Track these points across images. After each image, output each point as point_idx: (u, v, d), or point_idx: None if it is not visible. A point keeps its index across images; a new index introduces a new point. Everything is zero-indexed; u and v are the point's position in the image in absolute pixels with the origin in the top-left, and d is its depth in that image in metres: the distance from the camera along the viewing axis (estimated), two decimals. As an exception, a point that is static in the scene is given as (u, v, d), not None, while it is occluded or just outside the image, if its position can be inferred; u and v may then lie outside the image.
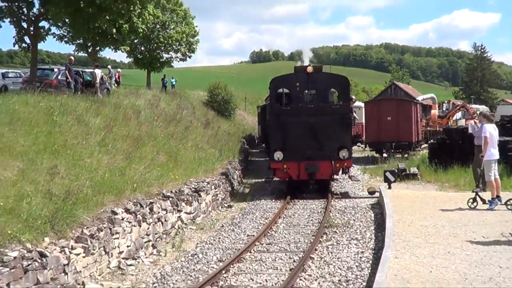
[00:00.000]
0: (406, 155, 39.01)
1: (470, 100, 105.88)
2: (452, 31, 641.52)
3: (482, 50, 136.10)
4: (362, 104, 48.62)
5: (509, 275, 10.05)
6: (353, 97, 31.51)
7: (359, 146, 50.01)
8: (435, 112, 56.56)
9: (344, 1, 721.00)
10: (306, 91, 24.92)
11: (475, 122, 22.43)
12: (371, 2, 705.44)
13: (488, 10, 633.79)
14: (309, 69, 24.63)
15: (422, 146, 45.23)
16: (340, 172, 25.10)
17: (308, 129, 24.02)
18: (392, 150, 38.82)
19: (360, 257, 13.42)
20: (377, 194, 22.00)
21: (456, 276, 10.04)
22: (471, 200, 16.96)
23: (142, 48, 51.74)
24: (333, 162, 23.66)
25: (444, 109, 66.98)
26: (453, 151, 27.17)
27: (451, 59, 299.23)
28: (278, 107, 25.20)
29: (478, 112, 37.25)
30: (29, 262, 10.23)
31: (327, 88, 25.67)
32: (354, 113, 29.87)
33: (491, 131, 17.22)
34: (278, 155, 24.01)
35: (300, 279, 11.99)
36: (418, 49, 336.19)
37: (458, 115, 59.80)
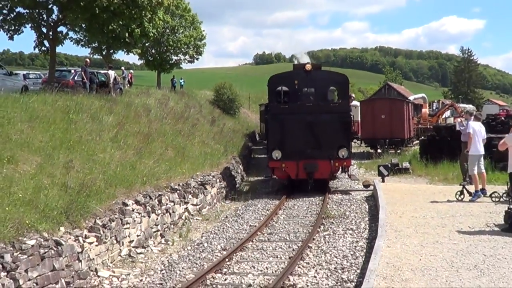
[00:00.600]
0: (399, 151, 39.00)
1: (458, 99, 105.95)
2: (441, 35, 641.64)
3: (469, 54, 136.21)
4: (358, 103, 48.50)
5: (493, 263, 10.01)
6: (353, 95, 28.34)
7: (355, 142, 49.97)
8: (425, 110, 56.56)
9: (341, 7, 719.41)
10: (305, 89, 23.28)
11: (461, 120, 22.52)
12: (366, 8, 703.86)
13: (474, 17, 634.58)
14: (308, 66, 23.03)
15: (414, 142, 45.12)
16: (340, 171, 23.70)
17: (307, 128, 22.19)
18: (386, 146, 38.86)
19: (355, 246, 13.36)
20: (371, 187, 21.90)
21: (444, 264, 10.00)
22: (458, 193, 16.92)
23: (153, 51, 51.68)
24: (332, 161, 22.01)
25: (434, 108, 66.82)
26: (442, 147, 27.09)
27: (440, 62, 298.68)
28: (276, 106, 23.29)
29: (465, 111, 37.18)
30: (46, 250, 10.19)
31: (326, 86, 23.85)
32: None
33: (475, 128, 17.21)
34: (277, 154, 22.24)
35: (299, 267, 11.92)
36: (410, 52, 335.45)
37: (447, 113, 59.69)
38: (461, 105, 72.57)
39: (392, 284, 8.88)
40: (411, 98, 59.30)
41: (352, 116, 24.50)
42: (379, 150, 38.53)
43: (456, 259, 10.32)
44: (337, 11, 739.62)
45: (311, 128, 22.28)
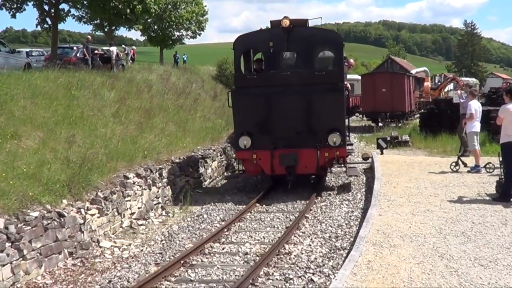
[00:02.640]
0: (400, 124, 39.31)
1: (461, 73, 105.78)
2: (445, 9, 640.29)
3: (472, 27, 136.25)
4: (359, 77, 48.68)
5: (480, 230, 10.35)
6: (351, 60, 21.82)
7: (357, 116, 50.36)
8: (427, 84, 56.77)
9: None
10: (284, 53, 17.52)
11: (461, 93, 22.85)
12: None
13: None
14: (285, 22, 16.63)
15: (416, 116, 45.36)
16: (334, 163, 17.63)
17: (285, 105, 16.68)
18: (387, 120, 39.18)
19: (350, 216, 13.69)
20: (370, 160, 22.16)
21: (432, 231, 10.34)
22: (453, 164, 17.26)
23: (155, 27, 51.77)
24: (319, 150, 16.47)
25: (436, 81, 67.05)
26: (442, 120, 27.36)
27: (444, 35, 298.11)
28: (242, 76, 17.66)
29: (465, 84, 37.42)
30: (49, 222, 10.56)
31: (312, 48, 17.21)
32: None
33: (475, 107, 17.62)
34: (245, 141, 16.73)
35: (295, 236, 12.25)
36: (414, 26, 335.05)
37: (450, 87, 59.75)
38: (464, 78, 72.58)
39: (381, 249, 9.23)
40: (413, 71, 59.49)
41: (347, 89, 18.54)
42: (380, 124, 38.81)
43: (445, 226, 10.66)
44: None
45: (290, 106, 16.68)
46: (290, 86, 16.67)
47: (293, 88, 16.64)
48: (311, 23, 18.57)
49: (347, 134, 19.05)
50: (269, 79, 16.96)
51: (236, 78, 17.76)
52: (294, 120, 16.66)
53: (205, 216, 14.78)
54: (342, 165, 18.00)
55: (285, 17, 16.75)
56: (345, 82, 18.56)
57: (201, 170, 19.40)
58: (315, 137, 16.58)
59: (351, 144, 22.02)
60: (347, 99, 19.22)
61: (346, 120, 18.62)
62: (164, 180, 16.26)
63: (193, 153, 19.51)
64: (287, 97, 16.66)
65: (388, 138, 26.28)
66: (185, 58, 60.97)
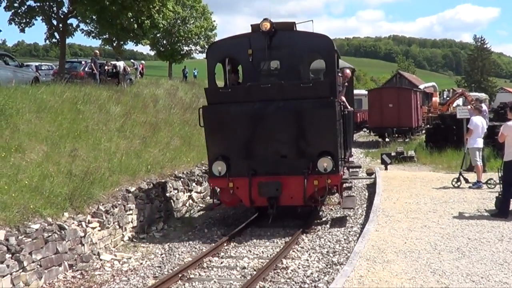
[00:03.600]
0: (406, 139, 39.47)
1: (471, 88, 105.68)
2: (455, 24, 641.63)
3: (482, 42, 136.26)
4: (366, 92, 48.88)
5: (475, 246, 10.43)
6: (347, 70, 18.21)
7: (364, 131, 50.73)
8: (436, 99, 56.85)
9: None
10: (265, 63, 14.70)
11: (471, 108, 23.01)
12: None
13: (488, 4, 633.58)
14: (265, 25, 14.04)
15: (423, 131, 45.46)
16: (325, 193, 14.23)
17: (265, 124, 14.04)
18: (394, 135, 39.30)
19: (349, 231, 13.79)
20: (374, 175, 22.26)
21: (427, 247, 10.43)
22: (455, 180, 17.37)
23: (164, 42, 52.32)
24: (306, 178, 13.74)
25: (445, 96, 67.06)
26: (447, 135, 27.46)
27: (454, 50, 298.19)
28: (213, 90, 15.01)
29: (475, 99, 37.50)
30: (49, 234, 10.74)
31: (299, 56, 14.59)
32: (341, 97, 16.87)
33: (477, 122, 17.75)
34: (219, 167, 14.23)
35: (293, 251, 12.35)
36: (424, 41, 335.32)
37: (459, 102, 59.75)
38: (473, 93, 72.49)
39: (374, 265, 9.33)
40: (421, 86, 59.47)
41: (342, 104, 15.97)
42: (387, 139, 38.95)
43: (440, 242, 10.75)
44: (351, 0, 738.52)
45: (271, 125, 14.02)
46: (272, 101, 13.93)
47: (275, 104, 13.92)
48: (301, 28, 15.66)
49: (349, 154, 17.97)
50: (246, 93, 14.20)
51: (207, 93, 14.86)
52: (277, 141, 14.06)
53: (205, 230, 14.90)
54: (338, 195, 15.03)
55: (265, 19, 14.15)
56: (342, 96, 16.84)
57: (205, 184, 19.37)
58: (302, 161, 13.93)
59: (358, 167, 21.54)
60: (348, 116, 17.30)
61: (354, 136, 17.75)
62: (167, 194, 16.39)
63: (196, 168, 19.62)
64: (268, 114, 14.01)
65: (394, 154, 26.43)
66: (195, 73, 61.39)
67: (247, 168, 14.16)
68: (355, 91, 51.96)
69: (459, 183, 17.29)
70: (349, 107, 18.18)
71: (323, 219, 15.74)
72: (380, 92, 42.86)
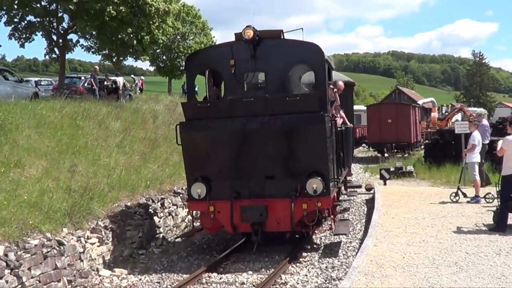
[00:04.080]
0: (406, 155, 39.60)
1: (470, 103, 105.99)
2: (454, 39, 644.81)
3: (481, 57, 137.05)
4: (365, 108, 49.09)
5: (473, 260, 10.47)
6: (340, 82, 16.83)
7: (363, 147, 50.92)
8: (434, 114, 57.12)
9: (355, 12, 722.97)
10: (248, 75, 13.37)
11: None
12: (380, 13, 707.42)
13: (487, 20, 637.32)
14: (248, 33, 12.83)
15: (422, 146, 45.62)
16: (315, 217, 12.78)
17: (249, 142, 12.78)
18: (393, 150, 39.42)
19: (348, 246, 13.80)
20: (373, 191, 22.30)
21: (426, 261, 10.47)
22: (453, 194, 17.43)
23: (164, 57, 52.53)
24: (293, 201, 12.38)
25: (443, 111, 67.26)
26: (446, 150, 27.55)
27: (453, 65, 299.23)
28: (191, 105, 13.88)
29: (476, 114, 37.68)
30: (48, 250, 10.76)
31: (286, 66, 13.43)
32: (339, 111, 16.69)
33: (479, 139, 17.90)
34: (199, 189, 12.85)
35: (292, 266, 12.36)
36: (422, 56, 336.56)
37: (458, 117, 59.97)
38: (472, 108, 72.73)
39: (372, 279, 9.36)
40: (420, 102, 59.74)
41: (334, 119, 14.18)
42: (386, 154, 39.06)
43: (438, 256, 10.79)
44: (351, 16, 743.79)
45: (255, 142, 12.73)
46: (255, 116, 12.60)
47: (259, 120, 12.60)
48: (291, 37, 14.27)
49: (346, 172, 17.10)
50: (227, 107, 12.81)
51: (184, 108, 13.46)
52: (261, 160, 12.70)
53: (205, 246, 14.89)
54: (330, 219, 13.68)
55: (248, 27, 12.90)
56: (341, 112, 16.52)
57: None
58: (289, 182, 12.58)
59: (358, 187, 21.39)
60: (346, 132, 16.69)
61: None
62: (166, 210, 16.41)
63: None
64: (251, 131, 12.66)
65: (393, 169, 26.48)
66: (195, 89, 61.50)
67: (229, 190, 12.78)
68: (354, 107, 52.35)
69: (457, 198, 17.35)
70: (348, 123, 17.64)
71: (315, 245, 14.21)
72: (379, 108, 43.04)
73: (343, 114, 16.84)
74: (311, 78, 14.01)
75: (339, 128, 15.59)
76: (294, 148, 12.59)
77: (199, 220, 14.55)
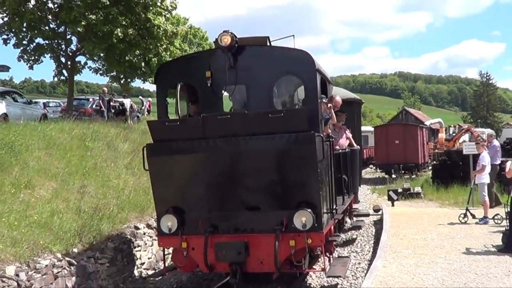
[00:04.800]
0: (413, 176, 39.60)
1: (477, 124, 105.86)
2: (461, 60, 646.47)
3: (488, 77, 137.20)
4: (372, 129, 49.16)
5: (482, 281, 10.50)
6: (337, 97, 14.16)
7: (371, 168, 50.99)
8: (442, 135, 57.04)
9: (361, 33, 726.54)
10: (226, 87, 11.37)
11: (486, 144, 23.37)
12: (386, 34, 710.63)
13: (494, 40, 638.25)
14: (225, 39, 10.91)
15: (429, 167, 45.62)
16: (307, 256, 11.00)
17: (226, 167, 10.88)
18: (400, 171, 39.43)
19: (357, 268, 13.82)
20: (381, 212, 22.31)
21: (435, 282, 10.50)
22: (462, 215, 17.47)
23: (171, 79, 52.84)
24: (277, 238, 10.35)
25: (451, 132, 67.22)
26: (454, 171, 27.60)
27: (460, 86, 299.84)
28: (158, 124, 11.70)
29: (488, 134, 37.74)
30: (59, 270, 10.86)
31: (270, 77, 11.32)
32: (345, 131, 15.67)
33: (488, 159, 18.06)
34: (169, 222, 11.00)
35: None
36: (429, 77, 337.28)
37: (466, 138, 59.94)
38: (479, 129, 72.68)
39: (382, 300, 9.41)
40: (427, 123, 59.76)
41: (330, 139, 12.02)
42: (393, 175, 39.05)
43: (447, 278, 10.82)
44: (357, 37, 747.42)
45: (234, 167, 10.84)
46: (233, 137, 10.55)
47: (237, 140, 10.56)
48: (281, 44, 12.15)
49: (350, 199, 15.69)
50: (200, 126, 10.76)
51: (151, 127, 11.44)
52: (241, 189, 10.76)
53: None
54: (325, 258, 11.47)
55: (225, 32, 10.98)
56: (347, 132, 15.58)
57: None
58: (274, 215, 10.54)
59: (366, 215, 19.67)
60: (352, 155, 15.63)
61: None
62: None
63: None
64: (229, 154, 10.71)
65: (400, 190, 26.48)
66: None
67: (204, 223, 10.84)
68: (361, 128, 52.42)
69: (466, 219, 17.39)
70: (355, 144, 16.56)
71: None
72: (386, 129, 43.16)
73: (350, 135, 16.00)
74: (288, 86, 12.59)
75: (343, 150, 14.65)
76: (279, 174, 10.56)
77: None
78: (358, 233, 18.26)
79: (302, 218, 10.29)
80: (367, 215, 20.09)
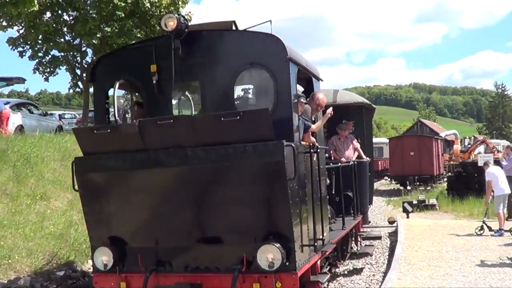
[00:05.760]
0: (428, 187, 39.49)
1: (492, 135, 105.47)
2: (476, 71, 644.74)
3: (503, 88, 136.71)
4: (387, 140, 49.09)
5: (497, 294, 10.46)
6: (320, 94, 10.33)
7: (386, 179, 50.87)
8: (457, 147, 56.86)
9: (376, 45, 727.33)
10: (175, 85, 9.26)
11: (503, 155, 23.35)
12: (401, 45, 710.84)
13: (509, 50, 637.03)
14: (171, 22, 8.40)
15: (445, 179, 45.46)
16: None
17: (169, 188, 8.28)
18: (415, 183, 39.31)
19: (371, 280, 13.76)
20: (396, 224, 22.24)
21: (450, 295, 10.48)
22: (478, 228, 17.40)
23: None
24: (235, 279, 7.70)
25: (466, 144, 66.95)
26: (469, 183, 27.54)
27: (475, 97, 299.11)
28: (85, 131, 10.12)
29: (506, 146, 37.65)
30: (74, 281, 10.94)
31: (233, 71, 8.80)
32: (352, 141, 14.65)
33: (495, 172, 18.13)
34: (104, 257, 8.43)
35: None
36: (444, 88, 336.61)
37: (481, 149, 59.68)
38: (494, 140, 72.44)
39: (396, 312, 9.39)
40: (442, 134, 59.62)
41: (315, 149, 9.40)
42: (408, 187, 38.95)
43: (462, 290, 10.79)
44: (372, 48, 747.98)
45: (178, 188, 8.24)
46: (180, 147, 7.93)
47: (183, 153, 7.92)
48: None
49: (357, 220, 13.90)
50: (137, 135, 8.05)
51: (78, 135, 8.79)
52: (189, 216, 8.21)
53: None
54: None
55: (170, 14, 8.66)
56: (355, 142, 14.50)
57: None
58: (232, 250, 8.02)
59: (377, 238, 17.65)
60: (361, 168, 14.32)
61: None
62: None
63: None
64: (173, 171, 8.09)
65: (415, 202, 26.37)
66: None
67: (147, 258, 8.35)
68: (376, 139, 52.37)
69: (482, 231, 17.32)
70: (363, 156, 15.05)
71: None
72: (401, 140, 43.15)
73: (358, 145, 14.70)
74: (252, 80, 9.51)
75: (347, 163, 13.42)
76: (238, 197, 7.95)
77: None
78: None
79: (268, 255, 7.63)
80: (378, 237, 17.82)
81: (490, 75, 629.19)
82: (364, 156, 15.14)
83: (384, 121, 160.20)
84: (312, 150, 9.15)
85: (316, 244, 8.94)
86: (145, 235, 8.46)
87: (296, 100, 8.82)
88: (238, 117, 7.62)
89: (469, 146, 61.45)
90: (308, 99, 9.99)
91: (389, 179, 48.05)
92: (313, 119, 10.17)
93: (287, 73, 8.48)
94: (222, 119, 7.69)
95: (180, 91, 9.72)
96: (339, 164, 12.93)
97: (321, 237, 9.31)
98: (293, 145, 7.84)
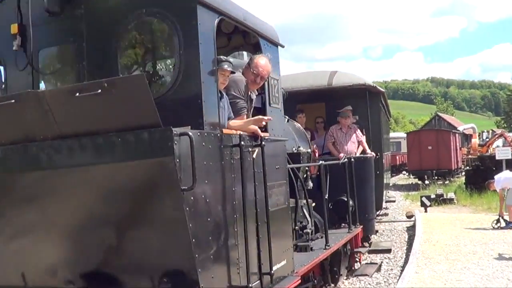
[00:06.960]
0: (446, 182, 39.34)
1: (510, 129, 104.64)
2: (493, 64, 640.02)
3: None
4: (405, 135, 48.95)
5: (514, 287, 10.46)
6: (262, 58, 6.90)
7: (404, 174, 50.71)
8: (475, 141, 56.46)
9: (393, 39, 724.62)
10: (42, 50, 6.35)
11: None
12: (419, 40, 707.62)
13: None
14: None
15: (463, 173, 45.32)
16: None
17: (24, 202, 5.29)
18: (434, 177, 39.18)
19: (389, 274, 13.77)
20: (414, 218, 22.23)
21: (467, 288, 10.49)
22: (495, 221, 17.36)
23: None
24: None
25: (484, 138, 66.52)
26: (487, 177, 27.33)
27: (493, 91, 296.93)
28: None
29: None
30: None
31: (118, 24, 5.92)
32: (355, 132, 12.81)
33: (505, 176, 18.21)
34: None
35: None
36: (462, 82, 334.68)
37: (499, 143, 59.28)
38: (512, 134, 71.95)
39: (414, 306, 9.42)
40: (460, 128, 59.34)
41: (258, 141, 6.33)
42: (426, 181, 38.84)
43: (480, 283, 10.75)
44: (389, 43, 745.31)
45: (37, 203, 5.26)
46: (32, 141, 5.10)
47: (38, 149, 5.05)
48: None
49: (349, 234, 11.27)
50: None
51: None
52: (55, 243, 5.48)
53: None
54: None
55: None
56: (345, 130, 12.56)
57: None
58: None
59: (386, 251, 15.22)
60: (367, 165, 12.50)
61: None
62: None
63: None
64: (27, 176, 5.24)
65: (433, 196, 26.32)
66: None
67: None
68: (394, 134, 52.20)
69: (498, 225, 17.26)
70: (368, 150, 12.95)
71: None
72: (419, 135, 42.98)
73: (362, 138, 12.78)
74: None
75: (343, 160, 11.17)
76: (117, 218, 5.18)
77: None
78: (391, 239, 17.96)
79: None
80: (388, 250, 15.24)
81: (508, 68, 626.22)
82: (369, 151, 12.93)
83: (402, 116, 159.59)
84: (251, 143, 6.34)
85: (256, 282, 6.15)
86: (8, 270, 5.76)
87: (215, 67, 6.02)
88: (100, 90, 4.64)
89: (487, 140, 61.15)
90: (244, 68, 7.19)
91: (407, 174, 47.92)
92: (251, 95, 7.20)
93: (195, 23, 5.65)
94: (78, 94, 4.74)
95: (44, 56, 6.57)
96: (321, 162, 9.99)
97: (268, 270, 6.35)
98: (191, 134, 4.83)
